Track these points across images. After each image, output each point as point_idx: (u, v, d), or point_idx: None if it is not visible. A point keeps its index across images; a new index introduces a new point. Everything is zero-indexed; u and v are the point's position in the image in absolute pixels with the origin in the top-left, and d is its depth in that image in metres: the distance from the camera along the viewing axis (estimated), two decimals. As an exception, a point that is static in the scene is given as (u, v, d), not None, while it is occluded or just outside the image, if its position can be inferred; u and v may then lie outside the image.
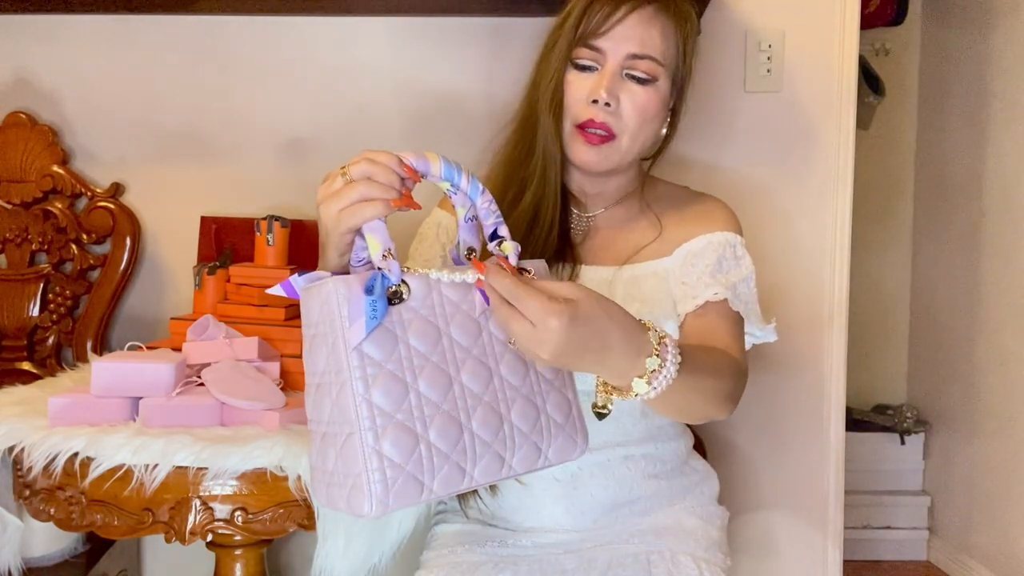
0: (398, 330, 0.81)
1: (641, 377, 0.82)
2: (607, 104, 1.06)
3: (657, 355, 0.82)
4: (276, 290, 0.84)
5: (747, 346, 1.14)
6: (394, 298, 0.81)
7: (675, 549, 1.09)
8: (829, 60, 1.63)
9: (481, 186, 0.86)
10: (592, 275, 1.13)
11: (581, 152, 1.10)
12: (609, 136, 1.08)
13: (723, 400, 0.96)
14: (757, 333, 1.16)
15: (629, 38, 1.06)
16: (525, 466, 0.86)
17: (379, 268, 0.81)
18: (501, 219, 0.87)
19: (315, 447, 0.81)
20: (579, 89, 1.08)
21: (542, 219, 1.10)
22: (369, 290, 0.79)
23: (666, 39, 1.08)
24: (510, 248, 0.86)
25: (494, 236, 0.87)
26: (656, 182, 1.23)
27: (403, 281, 0.81)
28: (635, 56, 1.06)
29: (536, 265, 0.91)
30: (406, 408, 0.79)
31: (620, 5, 1.06)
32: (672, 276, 1.13)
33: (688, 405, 0.93)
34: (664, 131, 1.16)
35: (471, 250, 0.89)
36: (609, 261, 1.15)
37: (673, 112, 1.16)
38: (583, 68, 1.09)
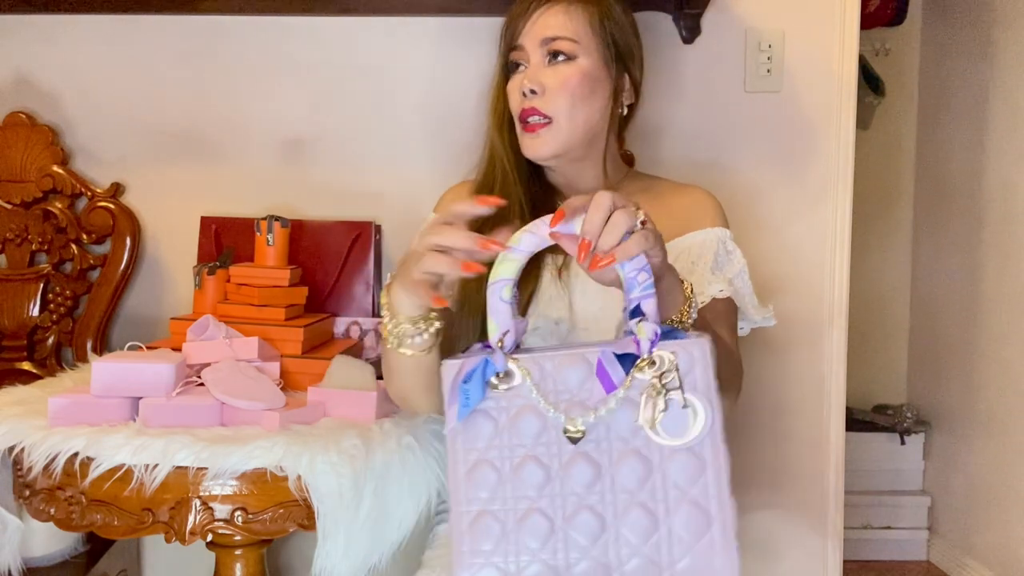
0: (502, 416, 0.80)
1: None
2: (532, 92, 1.13)
3: (688, 299, 0.86)
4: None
5: (747, 330, 1.20)
6: (498, 384, 0.79)
7: None
8: (829, 60, 1.63)
9: (641, 258, 0.78)
10: (578, 283, 1.14)
11: (527, 145, 1.16)
12: (545, 120, 1.14)
13: (727, 388, 1.00)
14: (757, 319, 1.20)
15: (540, 27, 1.15)
16: None
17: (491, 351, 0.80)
18: (650, 293, 0.78)
19: None
20: (514, 89, 1.17)
21: (509, 217, 1.13)
22: (467, 378, 0.79)
23: (574, 19, 1.14)
24: (645, 332, 0.77)
25: (636, 312, 0.78)
26: (637, 176, 1.28)
27: (510, 368, 0.80)
28: (548, 39, 1.14)
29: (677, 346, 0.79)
30: (498, 497, 0.79)
31: (530, 7, 1.16)
32: None
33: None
34: (618, 109, 1.20)
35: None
36: None
37: (618, 90, 1.19)
38: (514, 70, 1.18)
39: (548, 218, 0.79)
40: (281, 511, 1.09)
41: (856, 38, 1.62)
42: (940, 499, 2.55)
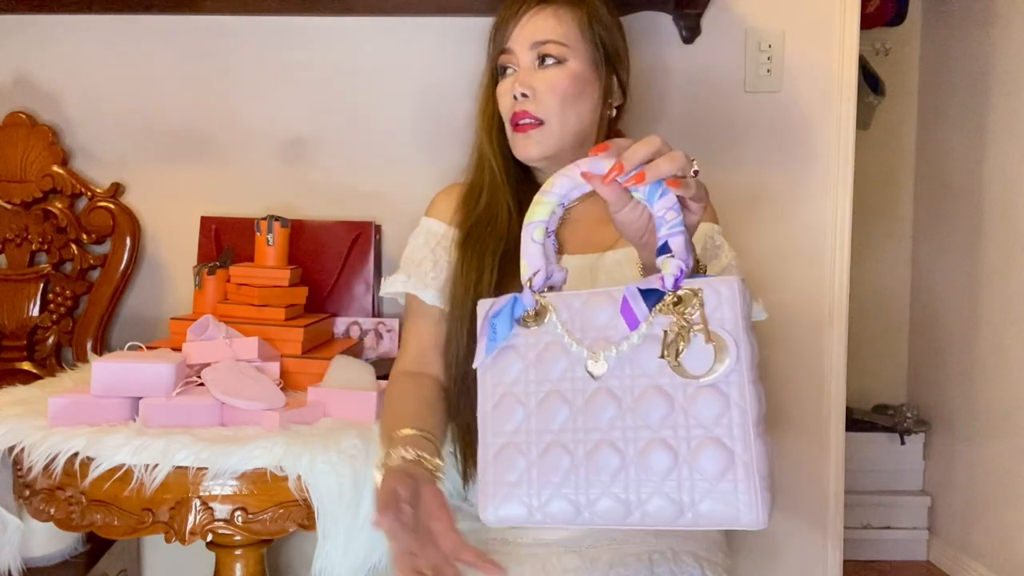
0: (530, 353, 0.82)
1: None
2: (524, 95, 1.14)
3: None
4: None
5: None
6: (527, 322, 0.82)
7: (677, 548, 1.09)
8: (829, 60, 1.63)
9: (664, 187, 0.79)
10: (574, 263, 1.16)
11: (519, 146, 1.17)
12: (536, 122, 1.15)
13: None
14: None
15: (529, 31, 1.16)
16: (659, 520, 0.76)
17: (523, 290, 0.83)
18: (678, 231, 0.78)
19: None
20: (504, 93, 1.18)
21: (500, 219, 1.17)
22: (496, 314, 0.82)
23: (563, 23, 1.15)
24: (670, 267, 0.77)
25: (663, 250, 0.79)
26: None
27: (541, 306, 0.82)
28: (538, 43, 1.15)
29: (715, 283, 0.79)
30: (522, 430, 0.81)
31: (517, 9, 1.17)
32: None
33: None
34: (607, 110, 1.21)
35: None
36: (590, 250, 1.18)
37: (607, 91, 1.21)
38: (504, 73, 1.19)
39: (583, 160, 0.80)
40: (281, 511, 1.09)
41: (856, 38, 1.63)
42: (940, 499, 2.55)
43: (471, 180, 1.24)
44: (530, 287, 0.83)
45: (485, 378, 0.84)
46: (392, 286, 1.23)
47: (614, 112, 1.23)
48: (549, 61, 1.15)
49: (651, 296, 0.78)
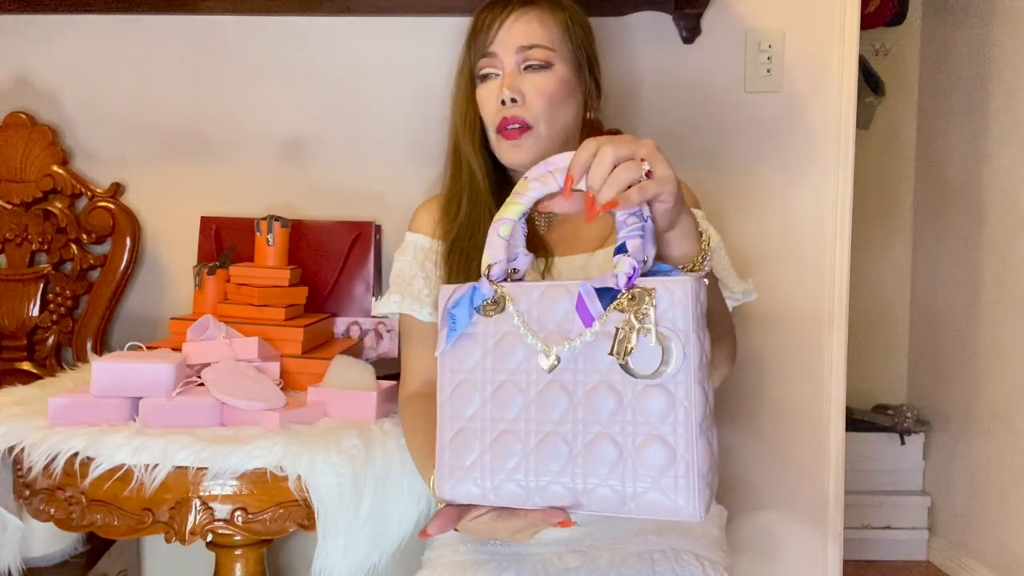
0: (488, 342, 0.84)
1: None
2: (513, 100, 1.13)
3: (704, 250, 0.88)
4: None
5: (731, 306, 1.21)
6: (486, 311, 0.84)
7: (678, 547, 1.09)
8: (829, 60, 1.63)
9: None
10: (566, 264, 1.17)
11: (507, 152, 1.15)
12: (525, 127, 1.14)
13: (732, 351, 1.04)
14: (738, 293, 1.21)
15: (514, 35, 1.14)
16: (605, 507, 0.80)
17: (482, 280, 0.85)
18: (636, 234, 0.80)
19: None
20: (488, 97, 1.16)
21: (482, 228, 1.14)
22: (455, 304, 0.84)
23: (547, 27, 1.15)
24: (623, 266, 0.79)
25: (621, 250, 0.80)
26: None
27: (499, 296, 0.84)
28: (524, 48, 1.14)
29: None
30: (478, 416, 0.84)
31: (499, 13, 1.15)
32: None
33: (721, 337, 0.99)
34: (588, 113, 1.21)
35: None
36: (580, 249, 1.18)
37: (588, 95, 1.21)
38: (486, 78, 1.17)
39: (562, 166, 0.82)
40: (281, 511, 1.09)
41: (856, 38, 1.62)
42: (940, 499, 2.55)
43: (449, 189, 1.22)
44: (487, 276, 0.85)
45: (444, 364, 0.86)
46: (386, 307, 1.22)
47: (593, 114, 1.22)
48: (535, 64, 1.13)
49: (606, 294, 0.80)
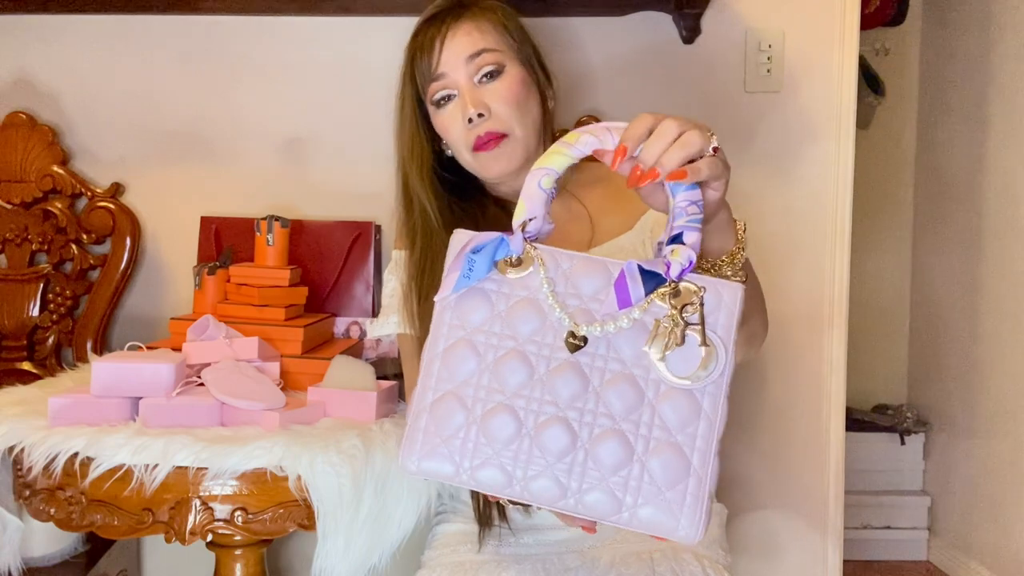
0: (501, 303, 0.75)
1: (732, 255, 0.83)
2: (480, 115, 1.09)
3: (740, 241, 0.84)
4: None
5: None
6: (504, 268, 0.75)
7: (677, 547, 1.09)
8: (829, 60, 1.63)
9: (697, 192, 0.74)
10: None
11: (489, 165, 1.12)
12: (502, 135, 1.11)
13: (765, 322, 1.01)
14: (728, 273, 1.19)
15: (457, 48, 1.11)
16: (598, 512, 0.72)
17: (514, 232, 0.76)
18: (695, 227, 0.73)
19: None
20: (452, 121, 1.12)
21: (436, 264, 1.10)
22: (477, 249, 0.74)
23: (486, 31, 1.12)
24: (680, 255, 0.72)
25: (676, 240, 0.73)
26: (584, 167, 1.24)
27: (525, 255, 0.75)
28: (472, 56, 1.10)
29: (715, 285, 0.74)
30: (471, 383, 0.73)
31: (436, 32, 1.12)
32: (637, 248, 1.15)
33: (754, 312, 0.94)
34: (547, 104, 1.19)
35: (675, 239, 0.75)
36: (569, 249, 1.16)
37: (541, 85, 1.18)
38: (442, 103, 1.13)
39: (618, 128, 0.75)
40: (281, 511, 1.09)
41: (856, 38, 1.62)
42: (940, 499, 2.55)
43: (404, 223, 1.19)
44: (523, 232, 0.75)
45: (443, 316, 0.75)
46: (384, 328, 1.21)
47: (552, 103, 1.20)
48: (489, 71, 1.10)
49: (650, 279, 0.73)
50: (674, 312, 0.71)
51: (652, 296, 0.72)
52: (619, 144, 0.74)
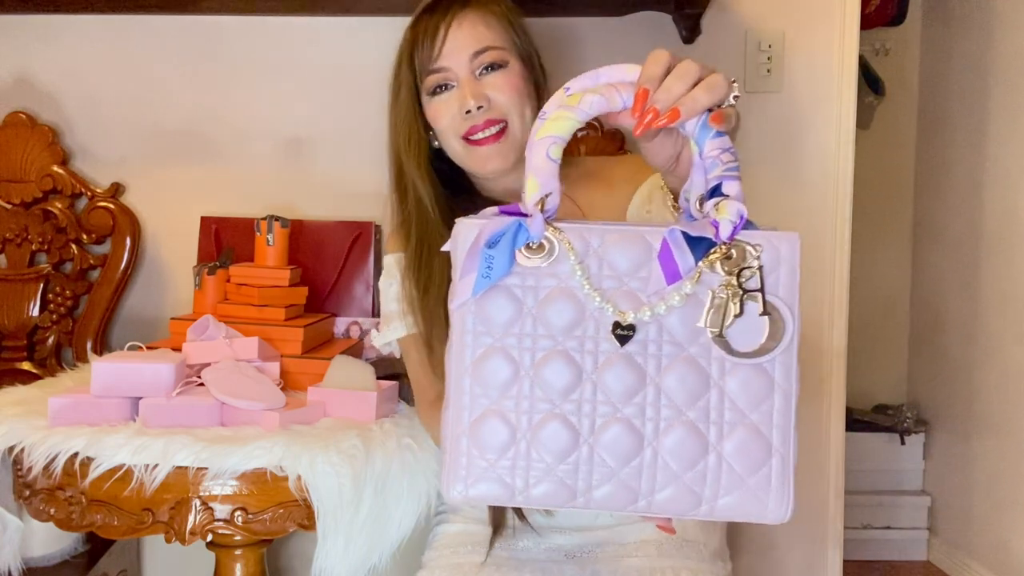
0: (528, 298, 0.65)
1: None
2: (479, 108, 1.08)
3: None
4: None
5: None
6: (530, 256, 0.64)
7: (677, 566, 1.08)
8: (829, 60, 1.63)
9: (714, 129, 0.67)
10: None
11: (485, 159, 1.11)
12: (500, 123, 1.09)
13: None
14: None
15: (463, 43, 1.09)
16: (672, 511, 0.65)
17: (526, 215, 0.65)
18: (733, 173, 0.67)
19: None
20: (447, 109, 1.10)
21: (433, 255, 1.10)
22: (492, 242, 0.64)
23: (491, 27, 1.10)
24: (728, 211, 0.64)
25: (715, 193, 0.65)
26: (574, 162, 1.23)
27: (547, 238, 0.65)
28: (477, 53, 1.09)
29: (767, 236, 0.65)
30: (511, 395, 0.65)
31: (439, 25, 1.09)
32: None
33: None
34: (542, 102, 1.17)
35: (705, 196, 0.67)
36: None
37: (538, 83, 1.17)
38: (438, 90, 1.11)
39: (623, 83, 0.67)
40: (281, 511, 1.09)
41: (856, 38, 1.62)
42: (940, 499, 2.55)
43: (398, 215, 1.18)
44: (542, 211, 0.65)
45: (465, 323, 0.65)
46: (388, 336, 1.20)
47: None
48: (491, 64, 1.09)
49: (698, 245, 0.63)
50: (730, 279, 0.63)
51: (702, 264, 0.63)
52: (639, 88, 0.66)
